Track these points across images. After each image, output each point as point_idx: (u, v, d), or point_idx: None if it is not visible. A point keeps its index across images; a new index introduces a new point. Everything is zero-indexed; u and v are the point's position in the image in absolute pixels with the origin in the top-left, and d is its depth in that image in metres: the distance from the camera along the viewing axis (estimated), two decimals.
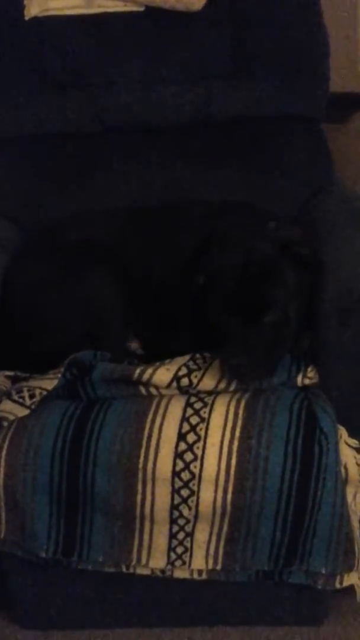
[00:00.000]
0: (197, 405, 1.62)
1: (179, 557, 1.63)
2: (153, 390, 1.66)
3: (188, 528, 1.60)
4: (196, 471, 1.56)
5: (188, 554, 1.63)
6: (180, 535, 1.61)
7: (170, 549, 1.63)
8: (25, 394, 1.66)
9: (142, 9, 2.08)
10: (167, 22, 2.08)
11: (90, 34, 2.10)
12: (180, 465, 1.57)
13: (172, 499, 1.58)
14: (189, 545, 1.62)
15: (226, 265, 1.68)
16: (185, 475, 1.57)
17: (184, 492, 1.57)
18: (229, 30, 2.10)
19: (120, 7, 2.08)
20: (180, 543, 1.62)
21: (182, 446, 1.57)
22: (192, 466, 1.57)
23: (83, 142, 2.19)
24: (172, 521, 1.60)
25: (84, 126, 2.17)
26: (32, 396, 1.65)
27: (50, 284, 1.86)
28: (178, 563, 1.63)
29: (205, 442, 1.57)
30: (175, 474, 1.57)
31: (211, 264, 1.71)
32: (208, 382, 1.65)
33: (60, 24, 2.10)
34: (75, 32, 2.11)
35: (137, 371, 1.66)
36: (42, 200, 2.17)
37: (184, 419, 1.59)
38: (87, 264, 1.88)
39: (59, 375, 1.68)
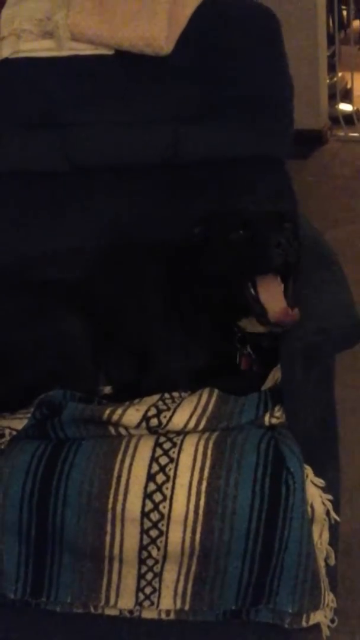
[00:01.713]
0: (166, 446, 1.63)
1: (147, 597, 1.63)
2: (122, 431, 1.67)
3: (157, 568, 1.61)
4: (165, 512, 1.57)
5: (156, 594, 1.63)
6: (149, 576, 1.62)
7: (139, 589, 1.62)
8: None
9: (111, 52, 2.11)
10: (136, 65, 2.12)
11: (61, 76, 2.13)
12: (149, 505, 1.58)
13: (141, 539, 1.58)
14: (157, 585, 1.62)
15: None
16: (154, 516, 1.57)
17: (153, 533, 1.58)
18: (197, 74, 2.13)
19: (90, 50, 2.11)
20: (149, 583, 1.62)
21: (152, 487, 1.58)
22: (161, 507, 1.57)
23: (52, 180, 2.20)
24: (141, 561, 1.60)
25: (53, 165, 2.18)
26: (1, 436, 1.65)
27: (18, 322, 1.86)
28: (146, 603, 1.63)
29: (174, 483, 1.58)
30: (145, 514, 1.57)
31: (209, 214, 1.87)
32: (177, 422, 1.66)
33: (31, 65, 2.13)
34: (46, 73, 2.13)
35: (107, 412, 1.67)
36: (9, 239, 2.18)
37: (153, 459, 1.61)
38: (55, 302, 1.89)
39: (29, 415, 1.68)
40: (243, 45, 2.14)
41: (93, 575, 1.62)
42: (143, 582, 1.62)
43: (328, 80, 5.47)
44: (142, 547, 1.59)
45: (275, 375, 1.82)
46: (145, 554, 1.59)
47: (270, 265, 1.74)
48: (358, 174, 4.85)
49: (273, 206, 1.90)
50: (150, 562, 1.60)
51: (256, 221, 1.80)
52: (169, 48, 2.08)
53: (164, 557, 1.60)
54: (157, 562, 1.60)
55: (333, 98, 5.55)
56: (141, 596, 1.63)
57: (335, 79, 5.63)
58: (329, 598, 1.67)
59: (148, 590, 1.63)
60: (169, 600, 1.63)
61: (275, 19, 2.16)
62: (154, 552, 1.59)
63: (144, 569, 1.61)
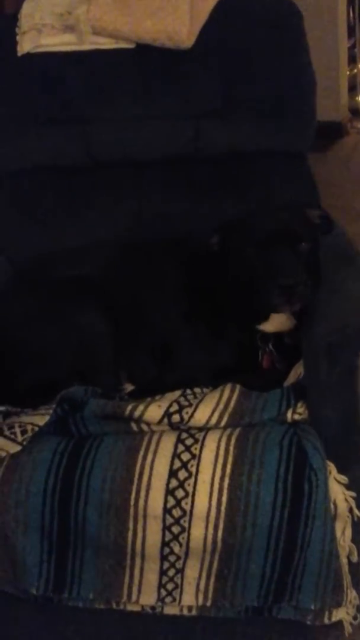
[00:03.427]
0: (188, 442, 1.62)
1: (170, 593, 1.63)
2: (144, 427, 1.67)
3: (179, 565, 1.61)
4: (187, 508, 1.57)
5: (178, 590, 1.63)
6: (171, 572, 1.62)
7: (161, 585, 1.63)
8: (17, 430, 1.66)
9: (132, 46, 2.11)
10: (158, 59, 2.11)
11: (82, 70, 2.13)
12: (171, 502, 1.57)
13: (163, 535, 1.58)
14: (179, 581, 1.62)
15: (250, 215, 1.84)
16: (177, 512, 1.57)
17: (175, 529, 1.58)
18: (218, 68, 2.13)
19: (111, 44, 2.11)
20: (171, 579, 1.62)
21: (174, 483, 1.58)
22: (183, 503, 1.57)
23: (73, 176, 2.21)
24: (163, 558, 1.60)
25: (74, 160, 2.19)
26: (23, 432, 1.65)
27: (40, 319, 1.86)
28: (168, 599, 1.63)
29: (196, 479, 1.58)
30: (167, 510, 1.57)
31: (227, 223, 1.83)
32: (199, 418, 1.66)
33: (52, 59, 2.13)
34: (67, 68, 2.13)
35: (129, 408, 1.67)
36: (31, 235, 2.19)
37: (175, 455, 1.60)
38: (77, 299, 1.89)
39: (51, 411, 1.68)
40: (265, 39, 2.13)
41: (115, 572, 1.62)
42: (165, 579, 1.62)
43: (348, 72, 5.44)
44: (164, 544, 1.59)
45: (297, 371, 1.81)
46: (167, 550, 1.59)
47: (270, 308, 1.75)
48: None
49: (292, 209, 1.88)
50: (172, 558, 1.60)
51: (269, 242, 1.77)
52: (190, 41, 2.07)
53: (186, 554, 1.60)
54: (179, 558, 1.60)
55: (353, 90, 5.52)
56: (163, 592, 1.63)
57: (355, 70, 5.60)
58: (351, 595, 1.66)
59: (170, 586, 1.63)
60: (190, 596, 1.63)
61: (298, 13, 2.16)
62: (176, 549, 1.59)
63: (166, 565, 1.61)
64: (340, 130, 5.28)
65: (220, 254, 1.87)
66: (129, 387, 1.88)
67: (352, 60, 5.54)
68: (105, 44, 2.10)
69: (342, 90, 5.28)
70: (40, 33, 2.10)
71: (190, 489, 1.58)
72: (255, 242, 1.77)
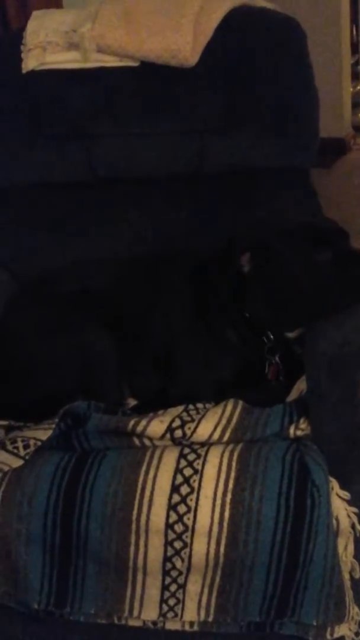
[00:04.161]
0: (191, 457, 1.63)
1: (171, 608, 1.63)
2: (147, 442, 1.68)
3: (180, 580, 1.61)
4: (189, 523, 1.57)
5: (180, 605, 1.63)
6: (173, 587, 1.62)
7: (163, 600, 1.63)
8: (20, 444, 1.66)
9: (137, 64, 2.12)
10: (162, 76, 2.12)
11: (86, 88, 2.15)
12: (173, 517, 1.58)
13: (165, 550, 1.58)
14: (181, 597, 1.62)
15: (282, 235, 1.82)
16: (179, 527, 1.57)
17: (177, 544, 1.58)
18: (222, 85, 2.14)
19: (116, 62, 2.12)
20: (173, 595, 1.62)
21: (176, 498, 1.58)
22: (185, 518, 1.58)
23: (78, 192, 2.22)
24: (165, 573, 1.60)
25: (78, 176, 2.20)
26: (26, 446, 1.66)
27: (44, 333, 1.87)
28: (170, 615, 1.63)
29: (198, 494, 1.58)
30: (169, 525, 1.58)
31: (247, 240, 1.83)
32: (201, 434, 1.66)
33: (57, 77, 2.14)
34: (72, 85, 2.15)
35: (131, 423, 1.67)
36: (36, 250, 2.20)
37: (178, 470, 1.61)
38: (81, 314, 1.90)
39: (54, 426, 1.69)
40: (268, 56, 2.14)
41: (117, 586, 1.62)
42: (167, 594, 1.62)
43: (352, 89, 5.46)
44: (166, 559, 1.59)
45: (300, 387, 1.81)
46: (169, 565, 1.60)
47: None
48: None
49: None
50: (174, 573, 1.60)
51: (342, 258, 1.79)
52: (194, 59, 2.08)
53: (188, 569, 1.60)
54: (181, 573, 1.60)
55: (356, 106, 5.54)
56: (165, 607, 1.63)
57: (358, 87, 5.63)
58: (353, 611, 1.66)
59: (172, 601, 1.63)
60: (192, 612, 1.63)
61: (301, 30, 2.16)
62: (178, 564, 1.59)
63: (167, 580, 1.61)
64: (343, 146, 5.30)
65: (255, 272, 1.85)
66: (132, 402, 1.89)
67: (355, 77, 5.57)
68: (110, 61, 2.12)
69: (346, 107, 5.30)
70: (45, 51, 2.11)
71: (192, 504, 1.58)
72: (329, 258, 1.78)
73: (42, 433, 1.68)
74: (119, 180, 2.21)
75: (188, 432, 1.66)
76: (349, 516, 1.64)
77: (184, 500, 1.58)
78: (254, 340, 1.88)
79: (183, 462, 1.62)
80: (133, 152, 2.16)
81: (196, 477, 1.60)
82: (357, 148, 5.42)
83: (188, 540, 1.58)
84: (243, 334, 1.89)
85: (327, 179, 4.85)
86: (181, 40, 2.04)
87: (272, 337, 1.86)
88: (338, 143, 5.27)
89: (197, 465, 1.61)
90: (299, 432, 1.71)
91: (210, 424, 1.69)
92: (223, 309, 1.90)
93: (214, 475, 1.60)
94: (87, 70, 2.14)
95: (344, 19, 5.08)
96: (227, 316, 1.89)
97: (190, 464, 1.62)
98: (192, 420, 1.69)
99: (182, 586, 1.61)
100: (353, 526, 1.65)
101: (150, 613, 1.63)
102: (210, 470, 1.60)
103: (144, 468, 1.61)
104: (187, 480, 1.60)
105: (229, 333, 1.89)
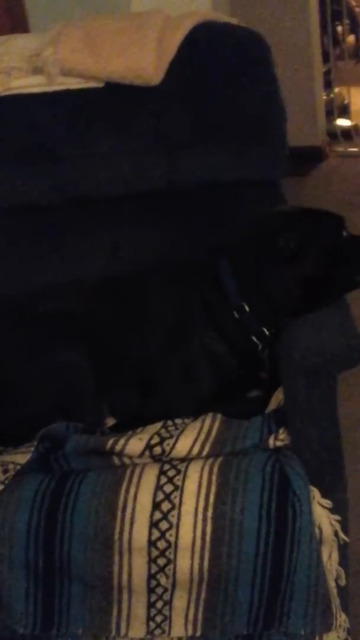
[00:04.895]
0: (171, 473, 1.63)
1: (158, 625, 1.63)
2: (126, 460, 1.68)
3: (166, 596, 1.61)
4: (172, 539, 1.58)
5: (167, 622, 1.63)
6: (159, 604, 1.62)
7: (150, 618, 1.63)
8: None
9: (102, 84, 2.13)
10: (127, 96, 2.13)
11: (53, 110, 2.15)
12: (156, 534, 1.58)
13: (149, 568, 1.59)
14: (167, 613, 1.62)
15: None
16: (162, 544, 1.58)
17: (161, 561, 1.58)
18: (188, 102, 2.15)
19: (80, 84, 2.13)
20: (159, 612, 1.62)
21: (157, 515, 1.59)
22: (167, 534, 1.58)
23: (49, 213, 2.22)
24: (150, 590, 1.61)
25: (49, 199, 2.20)
26: (5, 471, 1.66)
27: (21, 356, 1.87)
28: (157, 632, 1.63)
29: (180, 510, 1.59)
30: (151, 543, 1.58)
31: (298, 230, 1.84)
32: (181, 449, 1.67)
33: (23, 101, 2.15)
34: (38, 108, 2.15)
35: (110, 442, 1.67)
36: (7, 272, 2.20)
37: (158, 487, 1.61)
38: (58, 335, 1.90)
39: (32, 449, 1.69)
40: (233, 70, 2.16)
41: (103, 606, 1.62)
42: (153, 611, 1.62)
43: (325, 97, 5.50)
44: (151, 576, 1.59)
45: (278, 398, 1.82)
46: (154, 582, 1.60)
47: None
48: (358, 190, 4.86)
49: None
50: (159, 590, 1.61)
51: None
52: (158, 78, 2.10)
53: (173, 585, 1.60)
54: (166, 590, 1.60)
55: (331, 114, 5.57)
56: (152, 625, 1.63)
57: (332, 95, 5.66)
58: (341, 619, 1.66)
59: (159, 618, 1.63)
60: (180, 627, 1.63)
61: (265, 44, 2.17)
62: (163, 581, 1.59)
63: (153, 597, 1.61)
64: (319, 154, 5.33)
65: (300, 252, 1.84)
66: (111, 421, 1.89)
67: (328, 85, 5.60)
68: (74, 83, 2.12)
69: (320, 115, 5.33)
70: (10, 76, 2.12)
71: (174, 521, 1.58)
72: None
73: (21, 457, 1.68)
74: (90, 200, 2.21)
75: (167, 449, 1.67)
76: (331, 524, 1.65)
77: (165, 516, 1.59)
78: (244, 342, 1.88)
79: (163, 479, 1.62)
80: (102, 172, 2.17)
81: (177, 493, 1.60)
82: (334, 155, 5.45)
83: (172, 557, 1.58)
84: (233, 337, 1.89)
85: (304, 187, 4.88)
86: (144, 60, 2.06)
87: (267, 332, 1.87)
88: (314, 151, 5.30)
89: (178, 481, 1.62)
90: (278, 443, 1.71)
91: (189, 439, 1.69)
92: (210, 315, 1.90)
93: (195, 490, 1.60)
94: (53, 93, 2.15)
95: (314, 27, 5.11)
96: (214, 322, 1.90)
97: (170, 480, 1.62)
98: (171, 436, 1.69)
99: (168, 603, 1.62)
100: (336, 534, 1.66)
101: (137, 631, 1.63)
102: (190, 486, 1.61)
103: (124, 487, 1.61)
104: (168, 496, 1.60)
105: (213, 342, 1.90)
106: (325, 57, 5.50)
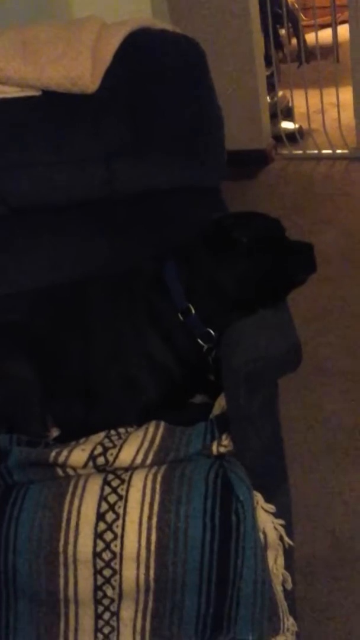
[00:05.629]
0: (115, 483, 1.63)
1: (106, 637, 1.62)
2: (70, 471, 1.67)
3: (113, 607, 1.61)
4: (117, 550, 1.57)
5: (115, 633, 1.62)
6: (106, 615, 1.61)
7: (97, 629, 1.62)
8: None
9: (39, 93, 2.12)
10: (66, 104, 2.12)
11: None
12: (100, 545, 1.57)
13: (95, 579, 1.58)
14: (115, 624, 1.62)
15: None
16: (107, 555, 1.57)
17: (107, 572, 1.58)
18: (126, 109, 2.15)
19: (17, 93, 2.11)
20: (107, 623, 1.62)
21: (102, 526, 1.58)
22: (112, 545, 1.57)
23: None
24: (97, 602, 1.60)
25: None
26: None
27: None
28: None
29: (124, 520, 1.58)
30: (96, 554, 1.57)
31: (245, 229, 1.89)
32: (124, 459, 1.66)
33: None
34: None
35: (53, 454, 1.66)
36: None
37: (102, 498, 1.60)
38: (2, 346, 1.88)
39: None
40: (168, 77, 2.16)
41: (50, 620, 1.61)
42: (101, 622, 1.62)
43: (269, 100, 5.52)
44: (97, 587, 1.59)
45: (221, 403, 1.83)
46: (100, 594, 1.59)
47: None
48: (304, 191, 4.90)
49: None
50: (106, 601, 1.60)
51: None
52: (95, 85, 2.09)
53: (120, 596, 1.59)
54: (113, 601, 1.60)
55: (275, 117, 5.60)
56: (100, 636, 1.62)
57: (275, 98, 5.69)
58: (289, 622, 1.67)
59: (106, 629, 1.62)
60: (128, 637, 1.63)
61: (200, 50, 2.18)
62: (109, 592, 1.59)
63: (100, 609, 1.61)
64: (265, 157, 5.36)
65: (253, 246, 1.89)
66: (56, 432, 1.87)
67: (272, 88, 5.63)
68: (11, 92, 2.11)
69: (264, 119, 5.35)
70: None
71: (118, 531, 1.58)
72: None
73: None
74: (31, 210, 2.20)
75: (110, 459, 1.66)
76: (275, 529, 1.66)
77: (110, 527, 1.58)
78: (190, 345, 1.89)
79: (107, 489, 1.62)
80: (43, 181, 2.15)
81: (121, 503, 1.60)
82: (279, 158, 5.48)
83: (117, 567, 1.58)
84: (178, 341, 1.89)
85: (252, 189, 4.90)
86: (80, 67, 2.05)
87: (213, 333, 1.87)
88: (260, 154, 5.32)
89: (122, 490, 1.61)
90: (221, 449, 1.72)
91: (132, 448, 1.69)
92: (154, 320, 1.90)
93: (139, 499, 1.60)
94: None
95: (256, 30, 5.13)
96: (159, 327, 1.90)
97: (114, 490, 1.62)
98: (114, 446, 1.69)
99: (116, 613, 1.61)
100: (281, 538, 1.67)
101: None
102: (134, 495, 1.61)
103: (68, 498, 1.61)
104: (112, 507, 1.60)
105: (156, 349, 1.89)
106: (268, 60, 5.53)
